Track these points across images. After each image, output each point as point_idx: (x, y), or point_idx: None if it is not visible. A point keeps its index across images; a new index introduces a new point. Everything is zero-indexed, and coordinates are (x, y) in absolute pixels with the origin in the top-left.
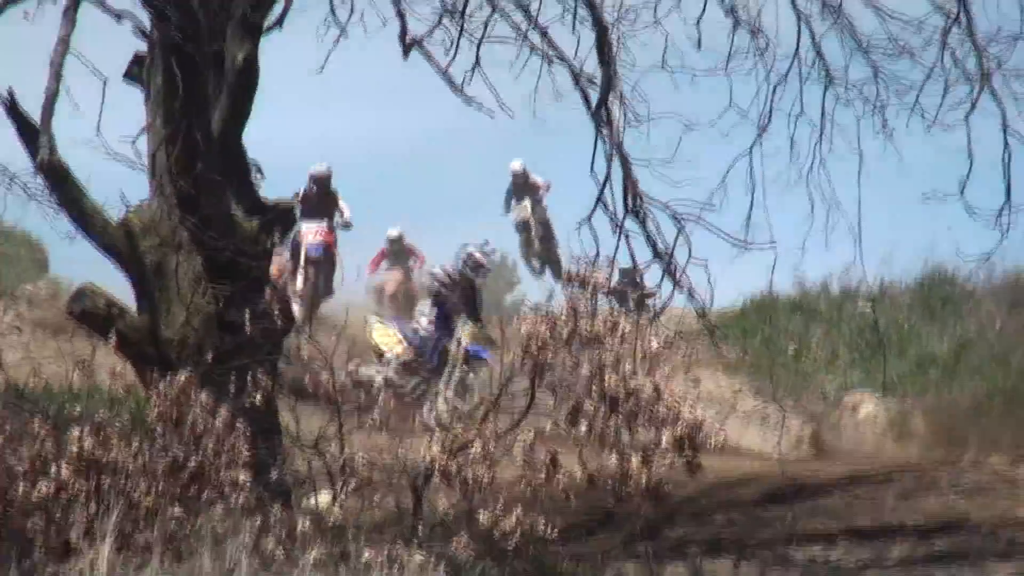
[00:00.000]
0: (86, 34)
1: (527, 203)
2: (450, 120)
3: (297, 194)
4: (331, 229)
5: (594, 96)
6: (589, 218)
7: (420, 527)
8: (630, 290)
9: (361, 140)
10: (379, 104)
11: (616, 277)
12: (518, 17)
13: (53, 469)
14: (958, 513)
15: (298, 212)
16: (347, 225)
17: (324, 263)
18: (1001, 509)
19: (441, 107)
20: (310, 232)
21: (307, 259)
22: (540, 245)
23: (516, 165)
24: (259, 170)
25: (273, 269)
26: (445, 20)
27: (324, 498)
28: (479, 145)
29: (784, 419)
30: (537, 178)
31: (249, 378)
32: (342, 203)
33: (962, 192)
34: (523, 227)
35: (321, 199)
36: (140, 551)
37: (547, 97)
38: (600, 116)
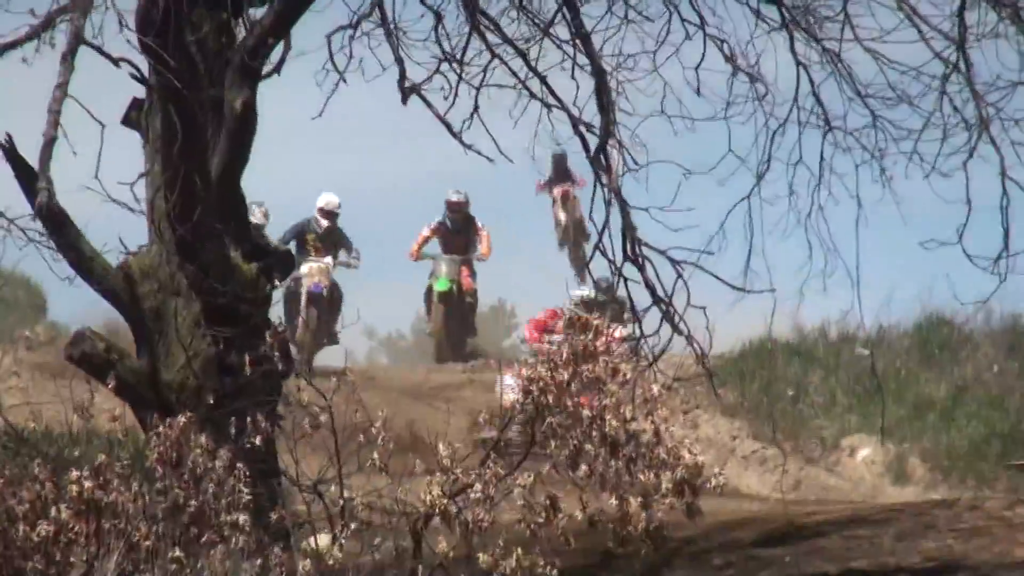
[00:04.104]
0: (84, 79)
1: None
2: (451, 162)
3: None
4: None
5: (593, 142)
6: (587, 264)
7: (420, 569)
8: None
9: (363, 183)
10: (381, 145)
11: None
12: (517, 64)
13: (53, 511)
14: (956, 555)
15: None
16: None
17: None
18: (999, 551)
19: (442, 149)
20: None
21: None
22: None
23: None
24: (266, 214)
25: None
26: (444, 67)
27: (324, 540)
28: (480, 186)
29: (784, 461)
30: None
31: (249, 421)
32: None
33: (960, 238)
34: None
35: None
36: None
37: (546, 142)
38: (599, 162)
